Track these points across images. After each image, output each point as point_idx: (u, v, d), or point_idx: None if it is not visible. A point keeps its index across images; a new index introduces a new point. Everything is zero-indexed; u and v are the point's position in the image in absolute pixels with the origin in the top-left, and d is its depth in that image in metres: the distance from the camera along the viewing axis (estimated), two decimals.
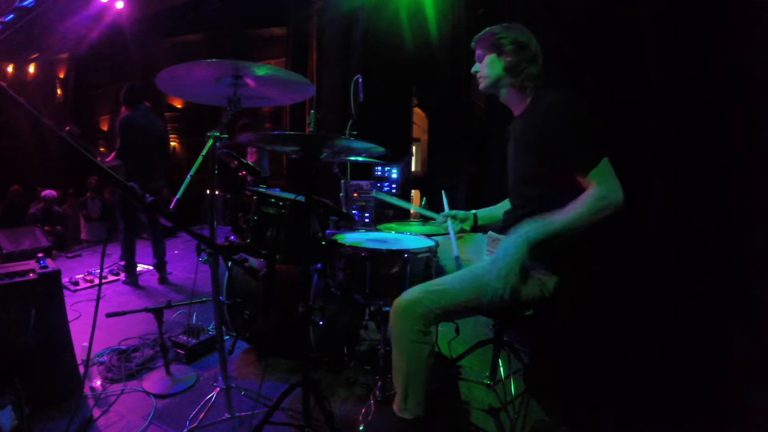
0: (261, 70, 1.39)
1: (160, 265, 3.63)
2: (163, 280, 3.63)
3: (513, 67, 1.40)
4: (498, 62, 1.42)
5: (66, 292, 2.91)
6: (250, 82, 1.45)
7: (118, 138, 3.29)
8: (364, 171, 4.19)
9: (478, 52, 1.47)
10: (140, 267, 3.81)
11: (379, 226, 1.92)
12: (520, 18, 1.47)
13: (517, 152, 1.47)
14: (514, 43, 1.39)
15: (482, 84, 1.48)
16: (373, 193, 1.75)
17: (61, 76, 10.27)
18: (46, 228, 4.79)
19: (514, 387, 1.84)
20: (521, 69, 1.39)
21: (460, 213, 1.75)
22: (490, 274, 1.23)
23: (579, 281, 1.54)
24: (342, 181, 2.67)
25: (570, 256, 1.36)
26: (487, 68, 1.44)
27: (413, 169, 4.70)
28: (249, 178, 1.60)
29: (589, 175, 1.21)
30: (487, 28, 1.45)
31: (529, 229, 1.22)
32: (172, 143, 9.06)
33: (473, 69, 1.50)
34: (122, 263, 3.60)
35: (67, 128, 3.07)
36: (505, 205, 1.72)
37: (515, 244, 1.21)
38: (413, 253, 1.45)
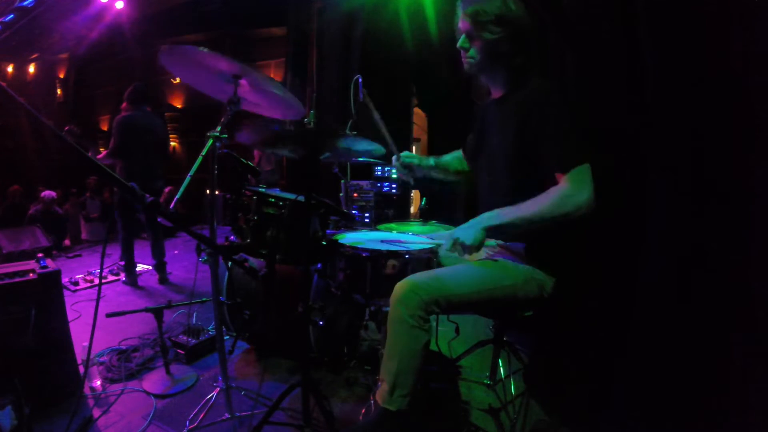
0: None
1: (159, 266, 3.63)
2: (163, 280, 3.63)
3: (496, 49, 1.30)
4: (482, 37, 1.31)
5: (66, 292, 2.91)
6: (245, 84, 1.46)
7: (113, 137, 3.30)
8: (364, 171, 4.19)
9: (463, 25, 1.35)
10: (140, 267, 3.81)
11: (379, 226, 1.92)
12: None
13: (492, 136, 1.44)
14: (498, 21, 1.27)
15: (467, 65, 1.40)
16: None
17: (61, 76, 10.27)
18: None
19: (514, 387, 1.84)
20: (504, 51, 1.31)
21: (416, 159, 1.67)
22: (446, 242, 1.28)
23: (578, 281, 1.55)
24: (342, 181, 2.67)
25: (568, 255, 1.36)
26: (473, 48, 1.35)
27: None
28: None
29: (566, 175, 1.19)
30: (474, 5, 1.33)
31: (486, 218, 1.25)
32: (172, 143, 9.06)
33: (459, 44, 1.38)
34: (122, 263, 3.61)
35: (67, 128, 3.07)
36: (458, 156, 1.72)
37: (472, 228, 1.24)
38: (413, 253, 1.45)
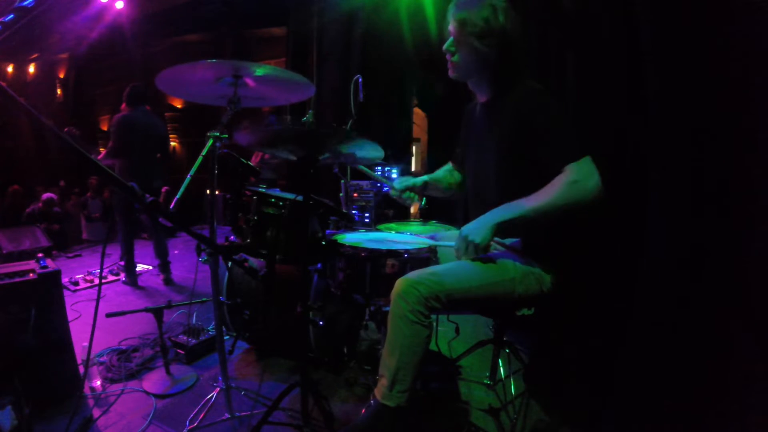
0: (260, 70, 1.39)
1: (163, 266, 3.62)
2: (168, 281, 3.61)
3: (481, 58, 1.30)
4: (468, 46, 1.31)
5: (66, 292, 2.90)
6: (249, 82, 1.45)
7: (112, 137, 3.30)
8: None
9: (452, 30, 1.35)
10: (140, 267, 3.81)
11: (379, 226, 1.92)
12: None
13: (481, 139, 1.43)
14: (485, 31, 1.27)
15: (451, 70, 1.40)
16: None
17: (61, 76, 10.26)
18: (42, 225, 4.80)
19: (514, 387, 1.84)
20: (490, 61, 1.30)
21: (410, 180, 1.64)
22: (456, 243, 1.24)
23: (577, 277, 1.55)
24: (342, 181, 2.68)
25: (566, 250, 1.36)
26: (458, 53, 1.35)
27: (413, 169, 4.69)
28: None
29: (569, 166, 1.19)
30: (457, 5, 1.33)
31: (497, 214, 1.22)
32: (172, 143, 9.05)
33: (446, 46, 1.39)
34: (122, 263, 3.60)
35: (66, 129, 3.08)
36: (448, 168, 1.71)
37: (483, 226, 1.21)
38: (413, 253, 1.45)
